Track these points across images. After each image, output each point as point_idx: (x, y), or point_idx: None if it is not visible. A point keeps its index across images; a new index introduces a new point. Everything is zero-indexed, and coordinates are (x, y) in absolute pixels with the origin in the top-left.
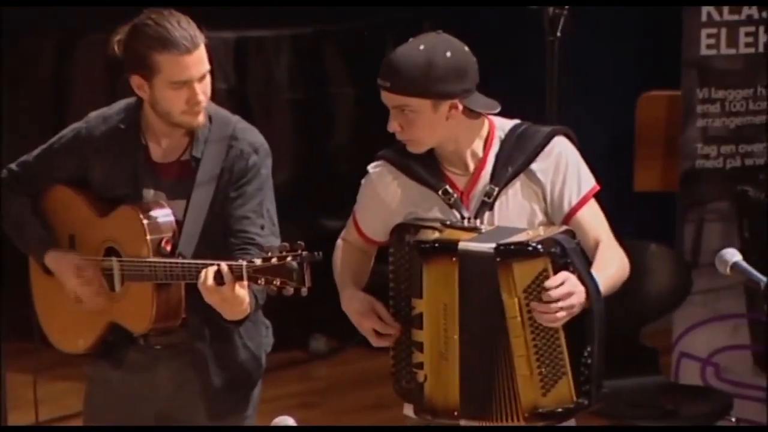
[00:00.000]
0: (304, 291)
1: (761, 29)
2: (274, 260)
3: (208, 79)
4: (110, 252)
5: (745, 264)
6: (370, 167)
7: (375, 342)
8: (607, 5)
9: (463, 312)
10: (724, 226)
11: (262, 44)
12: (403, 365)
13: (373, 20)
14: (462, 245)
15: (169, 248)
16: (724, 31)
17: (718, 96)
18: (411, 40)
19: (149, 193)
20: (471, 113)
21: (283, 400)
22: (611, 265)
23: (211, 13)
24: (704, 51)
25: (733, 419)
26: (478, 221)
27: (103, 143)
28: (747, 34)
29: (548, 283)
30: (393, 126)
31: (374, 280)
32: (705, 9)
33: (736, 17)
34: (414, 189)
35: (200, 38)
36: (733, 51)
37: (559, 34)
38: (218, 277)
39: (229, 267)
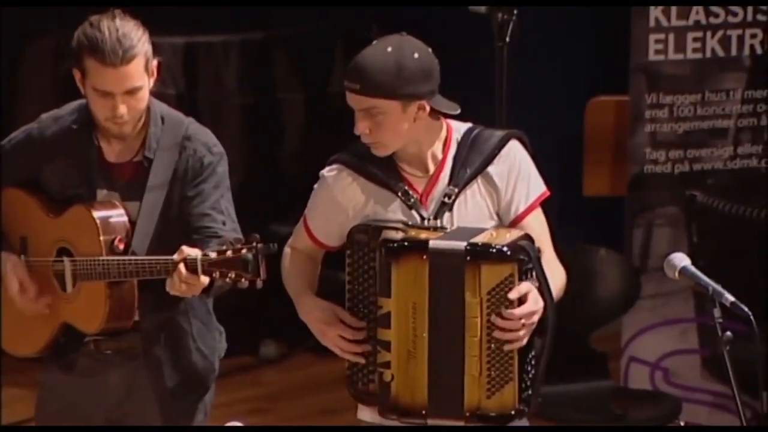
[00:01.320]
0: (259, 283)
1: (708, 35)
2: (229, 253)
3: (141, 94)
4: (62, 252)
5: (693, 269)
6: (325, 171)
7: (341, 352)
8: (555, 5)
9: (433, 310)
10: (672, 231)
11: (211, 49)
12: (360, 367)
13: (322, 25)
14: (433, 243)
15: (122, 247)
16: (672, 36)
17: (666, 101)
18: (375, 42)
19: (102, 194)
20: (433, 115)
21: (234, 406)
22: (555, 280)
23: (160, 18)
24: (652, 56)
25: (682, 423)
26: (438, 222)
27: (56, 143)
28: (695, 40)
29: (512, 295)
30: (361, 129)
31: (324, 287)
32: (653, 15)
33: (683, 23)
34: (372, 192)
35: (136, 53)
36: (680, 56)
37: (508, 39)
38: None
39: (184, 260)
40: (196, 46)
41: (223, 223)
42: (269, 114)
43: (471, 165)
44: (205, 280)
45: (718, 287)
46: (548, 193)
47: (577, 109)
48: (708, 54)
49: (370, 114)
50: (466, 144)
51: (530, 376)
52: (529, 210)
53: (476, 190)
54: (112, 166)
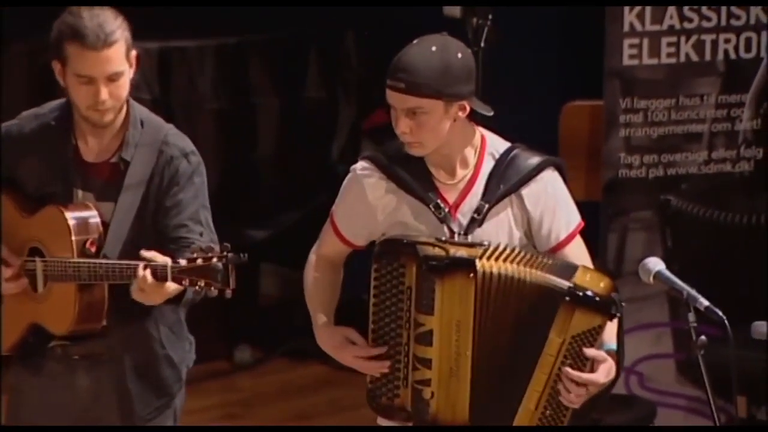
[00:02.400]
0: (228, 293)
1: (683, 39)
2: (199, 261)
3: (123, 80)
4: (34, 252)
5: (668, 273)
6: (357, 167)
7: (366, 370)
8: (529, 5)
9: (481, 329)
10: (647, 236)
11: (185, 54)
12: (385, 382)
13: (297, 30)
14: (487, 263)
15: (94, 249)
16: (646, 41)
17: (640, 106)
18: (417, 41)
19: (78, 194)
20: (468, 117)
21: (207, 412)
22: None
23: (134, 22)
24: (627, 61)
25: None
26: (468, 238)
27: (34, 140)
28: (669, 44)
29: (589, 352)
30: (402, 128)
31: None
32: (627, 19)
33: (657, 27)
34: (403, 198)
35: (117, 38)
36: (655, 61)
37: (482, 44)
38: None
39: (153, 268)
40: (171, 51)
41: (201, 234)
42: (244, 119)
43: (506, 182)
44: (169, 288)
45: (693, 292)
46: (583, 224)
47: (552, 114)
48: (682, 59)
49: (412, 113)
50: (504, 162)
51: (583, 419)
52: (570, 237)
53: (506, 207)
54: (89, 166)
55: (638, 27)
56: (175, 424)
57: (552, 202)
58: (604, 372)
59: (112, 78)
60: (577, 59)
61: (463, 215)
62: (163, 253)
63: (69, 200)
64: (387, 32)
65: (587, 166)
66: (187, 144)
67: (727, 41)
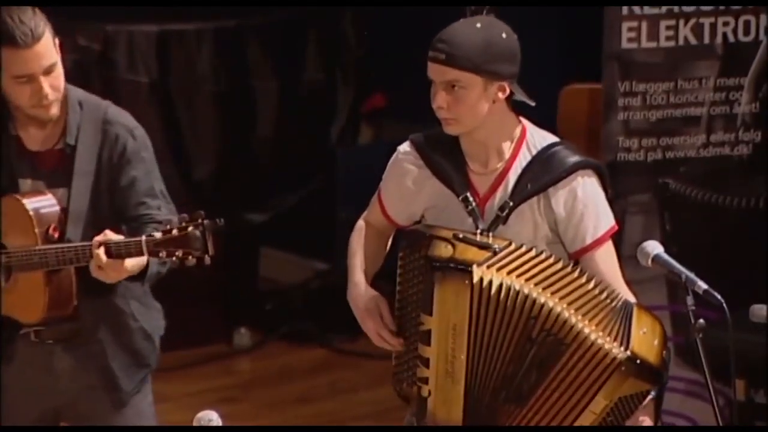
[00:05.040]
0: (207, 260)
1: (681, 22)
2: (174, 232)
3: (58, 70)
4: None
5: (666, 256)
6: (401, 148)
7: (377, 342)
8: (528, 5)
9: (475, 334)
10: (645, 219)
11: (184, 37)
12: (406, 368)
13: (295, 13)
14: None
15: (57, 235)
16: (644, 24)
17: (639, 89)
18: (463, 20)
19: (26, 183)
20: (509, 105)
21: (206, 395)
22: None
23: (133, 6)
24: (625, 44)
25: None
26: (490, 235)
27: None
28: (668, 28)
29: (642, 420)
30: (438, 101)
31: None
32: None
33: (656, 11)
34: (435, 186)
35: (42, 30)
36: (653, 44)
37: None
38: (110, 252)
39: (126, 243)
40: (169, 34)
41: (159, 208)
42: (242, 102)
43: (536, 181)
44: (128, 264)
45: (691, 275)
46: (617, 228)
47: (550, 97)
48: (681, 42)
49: (451, 87)
50: (542, 158)
51: None
52: (596, 243)
53: (532, 206)
54: (34, 155)
55: (637, 10)
56: (151, 401)
57: (580, 206)
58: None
59: (49, 70)
60: (576, 42)
61: (491, 209)
62: (119, 231)
63: (17, 191)
64: (384, 15)
65: (586, 149)
66: (130, 120)
67: (725, 24)
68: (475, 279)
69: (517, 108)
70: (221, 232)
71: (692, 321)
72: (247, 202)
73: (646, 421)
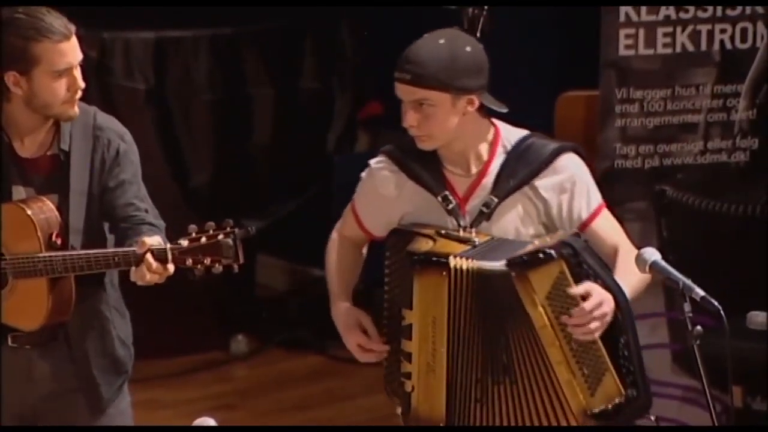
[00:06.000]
0: (236, 267)
1: (678, 29)
2: (203, 240)
3: (79, 68)
4: None
5: (663, 263)
6: (373, 162)
7: (360, 357)
8: (526, 5)
9: (454, 326)
10: (642, 226)
11: (181, 45)
12: (395, 368)
13: (292, 21)
14: (459, 261)
15: (60, 241)
16: (642, 31)
17: (636, 96)
18: (426, 35)
19: (19, 190)
20: (481, 113)
21: (203, 402)
22: (633, 271)
23: (130, 13)
24: (622, 51)
25: (652, 417)
26: (473, 231)
27: None
28: (665, 35)
29: (573, 290)
30: (409, 121)
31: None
32: (623, 9)
33: (653, 17)
34: (414, 191)
35: (72, 26)
36: (651, 51)
37: (478, 34)
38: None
39: (151, 252)
40: (166, 41)
41: (146, 211)
42: (239, 109)
43: (516, 176)
44: (172, 268)
45: (689, 282)
46: (605, 204)
47: (547, 104)
48: (678, 49)
49: (419, 106)
50: (517, 153)
51: (627, 361)
52: (594, 215)
53: (518, 200)
54: (26, 162)
55: (634, 17)
56: (129, 403)
57: (569, 184)
58: (597, 294)
59: (80, 64)
60: (573, 49)
61: (473, 209)
62: (117, 233)
63: (8, 198)
64: (381, 21)
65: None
66: (118, 125)
67: (723, 31)
68: (452, 270)
69: (512, 117)
70: (250, 240)
71: (689, 328)
72: (244, 209)
73: (594, 289)
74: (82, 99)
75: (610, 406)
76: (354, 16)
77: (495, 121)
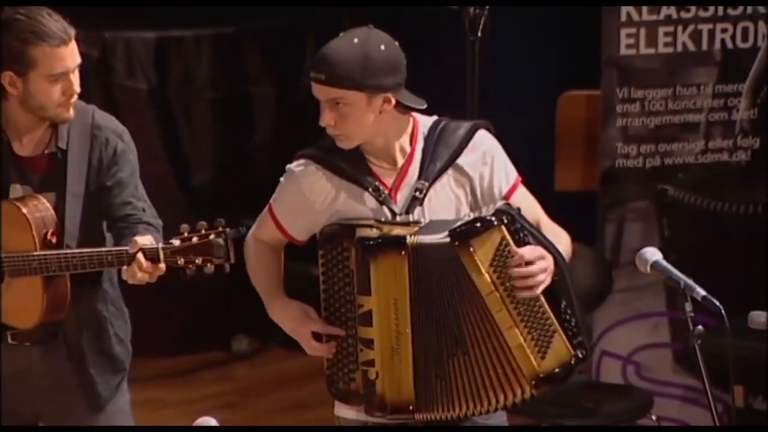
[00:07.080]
0: (227, 267)
1: (680, 29)
2: (194, 239)
3: (77, 72)
4: None
5: (664, 263)
6: (292, 165)
7: (312, 350)
8: (528, 5)
9: (416, 305)
10: (644, 225)
11: (182, 44)
12: (340, 366)
13: (293, 19)
14: (413, 239)
15: (55, 240)
16: (643, 30)
17: (637, 95)
18: (342, 34)
19: (16, 189)
20: (400, 108)
21: (205, 401)
22: (560, 240)
23: (131, 12)
24: (624, 51)
25: (654, 417)
26: (410, 217)
27: None
28: (666, 34)
29: (516, 251)
30: (326, 120)
31: (293, 283)
32: (624, 9)
33: (654, 17)
34: (341, 186)
35: (72, 30)
36: (652, 51)
37: (479, 34)
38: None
39: (143, 251)
40: (168, 41)
41: (143, 210)
42: (240, 108)
43: (440, 158)
44: (164, 267)
45: (690, 281)
46: (521, 178)
47: (549, 104)
48: (679, 48)
49: (335, 105)
50: (434, 137)
51: (572, 322)
52: (513, 188)
53: (446, 182)
54: (24, 160)
55: (635, 17)
56: (127, 401)
57: (489, 158)
58: (537, 250)
59: (77, 68)
60: (574, 49)
61: (404, 196)
62: (114, 231)
63: (5, 197)
64: (382, 20)
65: (584, 155)
66: (117, 124)
67: (724, 31)
68: (410, 249)
69: (514, 116)
70: (242, 239)
71: (691, 327)
72: (246, 208)
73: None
74: (82, 98)
75: (559, 369)
76: (355, 15)
77: (414, 114)
